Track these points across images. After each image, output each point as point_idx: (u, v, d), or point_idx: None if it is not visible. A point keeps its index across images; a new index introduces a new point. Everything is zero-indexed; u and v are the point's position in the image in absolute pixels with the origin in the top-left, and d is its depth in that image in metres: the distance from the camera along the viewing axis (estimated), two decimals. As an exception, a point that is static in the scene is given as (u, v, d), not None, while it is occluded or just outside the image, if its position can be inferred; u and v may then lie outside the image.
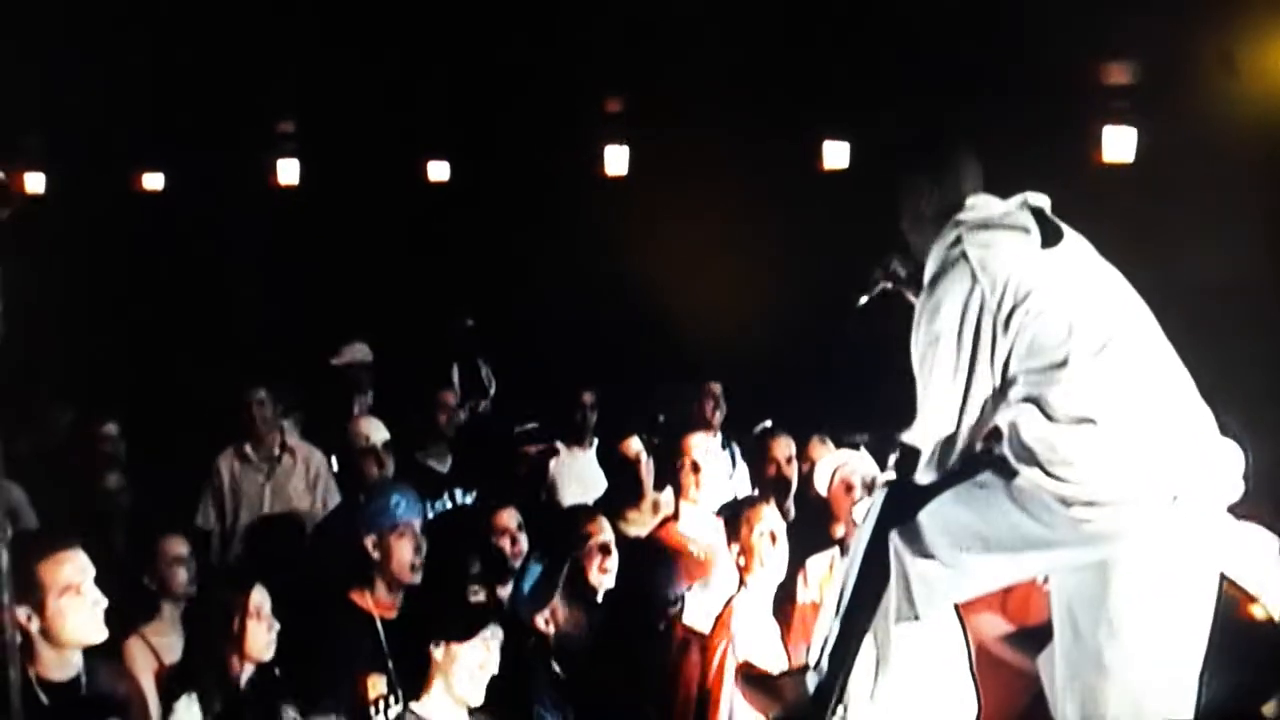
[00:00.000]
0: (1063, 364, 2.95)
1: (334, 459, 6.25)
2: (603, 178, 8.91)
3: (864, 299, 3.33)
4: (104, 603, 3.32)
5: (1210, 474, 3.04)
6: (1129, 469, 2.94)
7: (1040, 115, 6.82)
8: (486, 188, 9.59)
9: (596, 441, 6.40)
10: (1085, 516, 2.94)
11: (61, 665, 3.27)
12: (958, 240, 3.02)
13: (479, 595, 4.20)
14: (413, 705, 3.74)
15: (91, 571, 3.31)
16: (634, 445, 5.74)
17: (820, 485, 4.99)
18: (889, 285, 3.31)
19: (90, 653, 3.38)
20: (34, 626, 3.20)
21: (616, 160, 8.91)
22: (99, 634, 3.33)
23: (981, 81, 6.51)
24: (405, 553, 4.33)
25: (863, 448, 5.72)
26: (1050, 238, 3.05)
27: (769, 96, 7.62)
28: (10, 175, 2.12)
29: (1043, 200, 3.13)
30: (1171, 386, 3.05)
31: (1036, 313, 2.95)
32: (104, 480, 6.03)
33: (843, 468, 4.89)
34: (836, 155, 8.30)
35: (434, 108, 8.68)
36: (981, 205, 3.11)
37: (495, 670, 3.75)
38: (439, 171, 9.78)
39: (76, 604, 3.24)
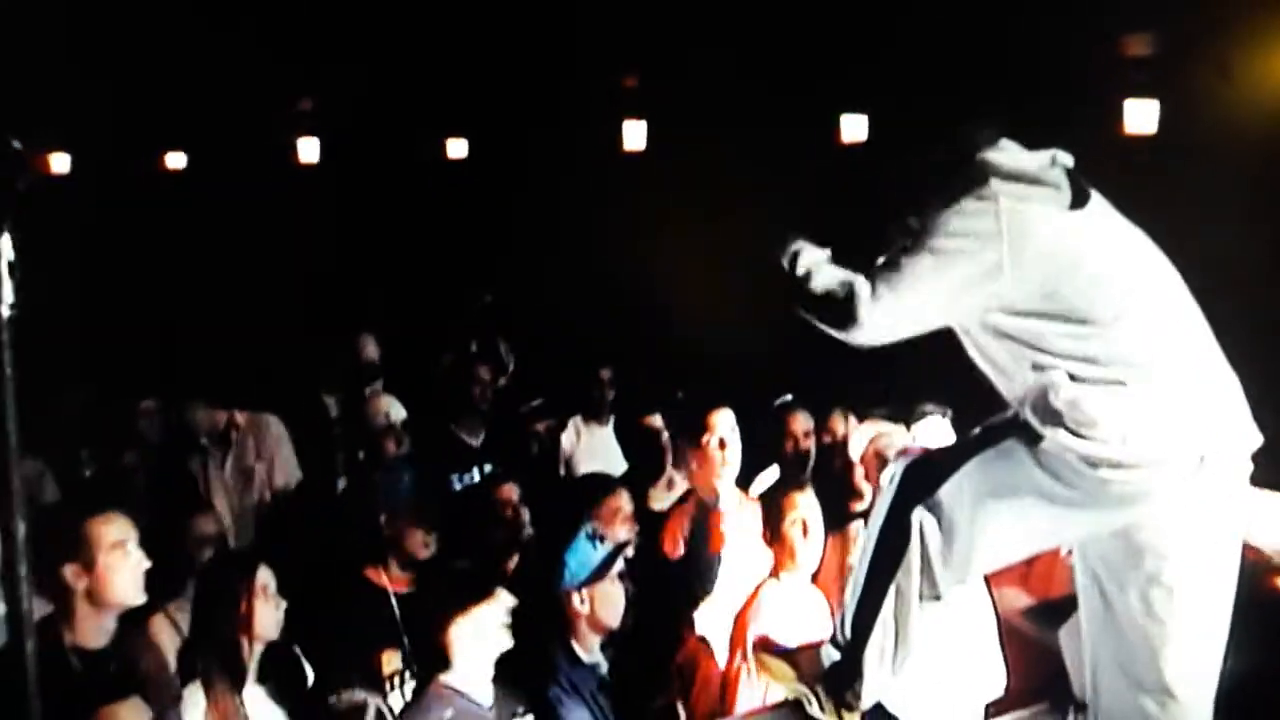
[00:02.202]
0: (1092, 324, 2.92)
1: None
2: (620, 153, 8.90)
3: (881, 260, 3.25)
4: (146, 564, 3.33)
5: (1236, 436, 3.02)
6: (1156, 429, 2.91)
7: (1063, 87, 6.76)
8: (505, 164, 9.60)
9: (614, 418, 6.40)
10: (1111, 477, 2.91)
11: (97, 631, 3.27)
12: (986, 180, 2.95)
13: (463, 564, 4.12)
14: (441, 678, 3.74)
15: (135, 534, 3.32)
16: (655, 421, 5.74)
17: (854, 453, 4.97)
18: (907, 243, 3.24)
19: (121, 625, 3.39)
20: (80, 585, 3.21)
21: (634, 135, 8.89)
22: (140, 595, 3.35)
23: (1002, 53, 6.45)
24: (418, 530, 4.37)
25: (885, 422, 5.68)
26: (1079, 198, 3.01)
27: (787, 70, 7.58)
28: (33, 153, 2.13)
29: (1069, 160, 3.07)
30: (1198, 347, 3.02)
31: (1066, 274, 2.92)
32: (122, 458, 6.08)
33: (878, 439, 4.86)
34: (855, 128, 8.26)
35: (452, 85, 8.68)
36: (1009, 151, 3.04)
37: (514, 602, 3.77)
38: (457, 148, 9.80)
39: (123, 562, 3.26)
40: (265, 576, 3.69)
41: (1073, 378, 2.93)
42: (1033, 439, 2.99)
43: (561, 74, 8.27)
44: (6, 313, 2.08)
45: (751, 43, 7.32)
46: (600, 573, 4.01)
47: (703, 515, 4.95)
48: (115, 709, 3.08)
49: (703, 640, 4.42)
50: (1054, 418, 2.94)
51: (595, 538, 4.08)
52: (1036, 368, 2.98)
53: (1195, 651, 3.06)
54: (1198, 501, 2.97)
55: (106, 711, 3.06)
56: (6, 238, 2.08)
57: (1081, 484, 2.94)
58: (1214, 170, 6.55)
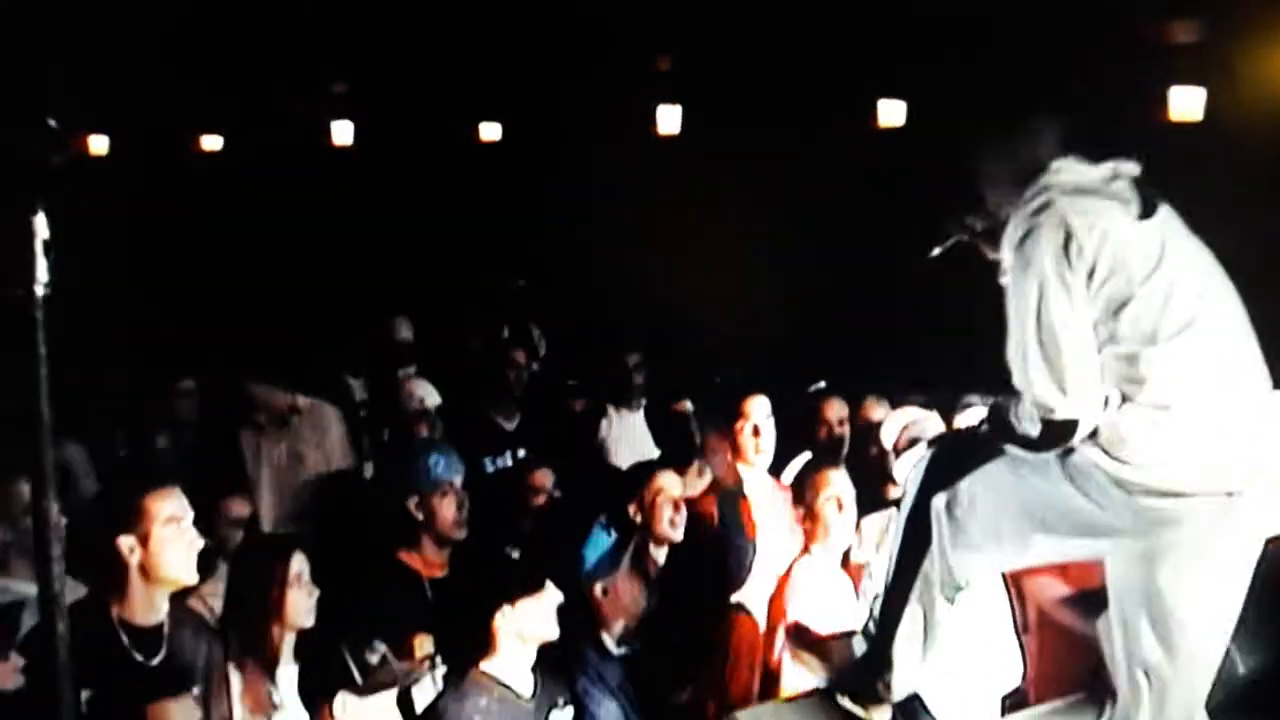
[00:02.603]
0: (1151, 343, 2.83)
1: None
2: (655, 136, 8.86)
3: (937, 250, 3.13)
4: (200, 543, 3.33)
5: (1273, 476, 2.93)
6: (1190, 459, 2.84)
7: (1108, 72, 6.66)
8: (538, 147, 9.58)
9: (645, 403, 6.37)
10: (1142, 503, 2.86)
11: (148, 607, 3.26)
12: (1048, 205, 2.87)
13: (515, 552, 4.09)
14: (482, 665, 3.74)
15: (191, 512, 3.32)
16: (686, 406, 5.71)
17: (887, 441, 4.95)
18: (964, 238, 3.11)
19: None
20: (134, 559, 3.21)
21: (669, 119, 8.85)
22: (192, 575, 3.33)
23: (1047, 38, 6.37)
24: (448, 511, 4.35)
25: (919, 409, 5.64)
26: (1146, 209, 2.91)
27: (823, 54, 7.52)
28: (71, 135, 2.13)
29: (1134, 169, 2.98)
30: (1248, 378, 2.93)
31: (1133, 289, 2.82)
32: (156, 439, 6.10)
33: (912, 426, 4.83)
34: (891, 112, 8.17)
35: (485, 67, 8.66)
36: (1070, 170, 2.95)
37: (561, 598, 3.78)
38: (491, 131, 9.79)
39: (178, 538, 3.26)
40: (299, 564, 3.66)
41: (1122, 397, 2.86)
42: (1067, 449, 2.92)
43: (595, 57, 8.23)
44: (41, 291, 2.09)
45: (787, 26, 7.25)
46: (614, 562, 4.00)
47: (733, 502, 4.93)
48: (166, 705, 3.06)
49: (741, 618, 4.39)
50: (1090, 434, 2.88)
51: (608, 528, 4.08)
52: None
53: (1199, 672, 3.05)
54: (1221, 538, 2.91)
55: (157, 708, 3.04)
56: (41, 217, 2.09)
57: (1106, 503, 2.90)
58: (1260, 158, 6.45)
